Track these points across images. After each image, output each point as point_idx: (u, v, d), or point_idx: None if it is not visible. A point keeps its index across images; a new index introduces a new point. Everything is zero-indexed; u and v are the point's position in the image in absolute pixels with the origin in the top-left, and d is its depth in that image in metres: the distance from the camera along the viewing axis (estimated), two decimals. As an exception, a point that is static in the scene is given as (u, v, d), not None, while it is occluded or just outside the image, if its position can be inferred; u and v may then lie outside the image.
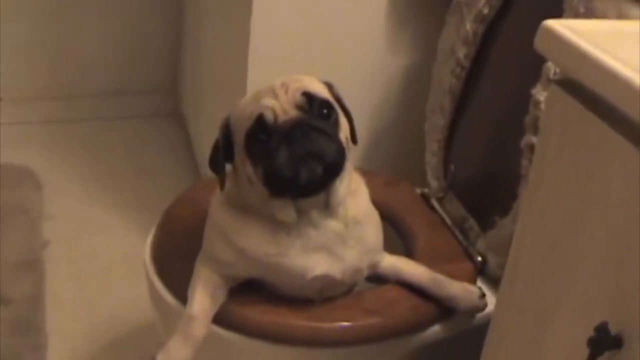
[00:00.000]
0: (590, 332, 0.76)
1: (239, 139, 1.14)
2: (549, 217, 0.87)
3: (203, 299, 1.16)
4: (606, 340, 0.75)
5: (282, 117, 1.09)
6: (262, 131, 1.10)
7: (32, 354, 1.69)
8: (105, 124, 2.58)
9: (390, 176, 1.46)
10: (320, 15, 1.61)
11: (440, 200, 1.51)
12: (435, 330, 1.25)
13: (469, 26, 1.43)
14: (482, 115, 1.46)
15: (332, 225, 1.17)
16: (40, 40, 2.47)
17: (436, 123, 1.53)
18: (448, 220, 1.47)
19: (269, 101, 1.10)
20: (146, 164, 2.42)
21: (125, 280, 1.94)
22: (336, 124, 1.14)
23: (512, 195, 1.30)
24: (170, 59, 2.59)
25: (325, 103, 1.13)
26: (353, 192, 1.19)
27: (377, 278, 1.28)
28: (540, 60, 1.22)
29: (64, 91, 2.56)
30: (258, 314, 1.18)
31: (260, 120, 1.10)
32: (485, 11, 1.41)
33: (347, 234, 1.18)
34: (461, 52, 1.46)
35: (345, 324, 1.19)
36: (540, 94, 1.22)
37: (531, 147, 1.24)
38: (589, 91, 0.77)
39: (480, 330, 1.18)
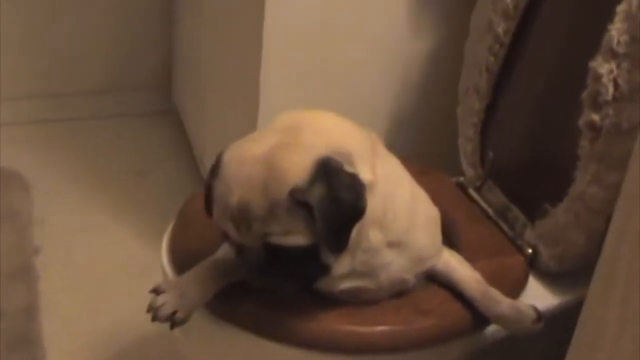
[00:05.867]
0: None
1: None
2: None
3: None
4: None
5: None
6: None
7: (31, 370, 1.57)
8: (94, 123, 2.44)
9: (424, 165, 1.34)
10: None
11: (478, 189, 1.40)
12: (496, 328, 1.13)
13: (508, -1, 1.32)
14: (525, 94, 1.35)
15: (382, 241, 1.06)
16: (23, 39, 2.34)
17: (471, 106, 1.42)
18: (489, 211, 1.36)
19: (229, 228, 0.99)
20: (141, 163, 2.29)
21: (125, 287, 1.83)
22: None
23: (566, 180, 1.20)
24: (161, 54, 2.46)
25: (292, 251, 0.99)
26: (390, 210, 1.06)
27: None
28: (598, 30, 1.12)
29: (49, 90, 2.42)
30: (304, 321, 1.06)
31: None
32: (528, -20, 1.30)
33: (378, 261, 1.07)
34: (500, 27, 1.34)
35: (398, 327, 1.07)
36: (601, 66, 1.12)
37: (591, 126, 1.14)
38: None
39: (552, 325, 1.10)
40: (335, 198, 0.94)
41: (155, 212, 1.97)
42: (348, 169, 0.97)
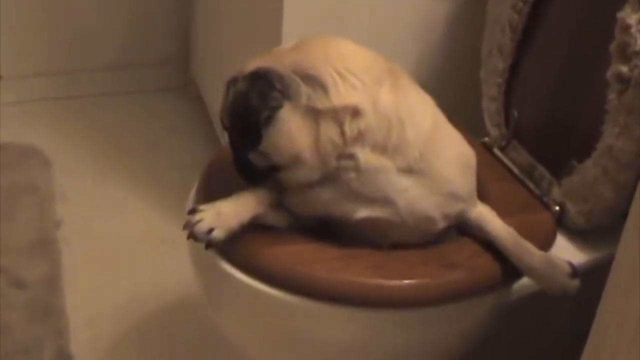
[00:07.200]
0: None
1: None
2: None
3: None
4: None
5: None
6: None
7: (54, 341, 1.57)
8: (112, 100, 2.44)
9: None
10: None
11: (503, 149, 1.38)
12: (526, 283, 1.11)
13: (532, -46, 1.30)
14: (550, 51, 1.33)
15: (383, 164, 1.05)
16: (39, 14, 2.32)
17: (495, 66, 1.39)
18: (515, 170, 1.34)
19: None
20: (159, 139, 2.29)
21: (144, 259, 1.84)
22: None
23: (592, 135, 1.18)
24: (179, 28, 2.44)
25: None
26: (408, 120, 1.06)
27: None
28: (625, -20, 1.11)
29: (68, 67, 2.41)
30: (331, 275, 1.04)
31: None
32: None
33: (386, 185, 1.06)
34: (524, -16, 1.33)
35: (425, 280, 1.05)
36: (629, 16, 1.10)
37: (619, 77, 1.12)
38: None
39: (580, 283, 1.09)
40: (243, 94, 1.02)
41: (174, 185, 1.95)
42: (278, 86, 1.01)
